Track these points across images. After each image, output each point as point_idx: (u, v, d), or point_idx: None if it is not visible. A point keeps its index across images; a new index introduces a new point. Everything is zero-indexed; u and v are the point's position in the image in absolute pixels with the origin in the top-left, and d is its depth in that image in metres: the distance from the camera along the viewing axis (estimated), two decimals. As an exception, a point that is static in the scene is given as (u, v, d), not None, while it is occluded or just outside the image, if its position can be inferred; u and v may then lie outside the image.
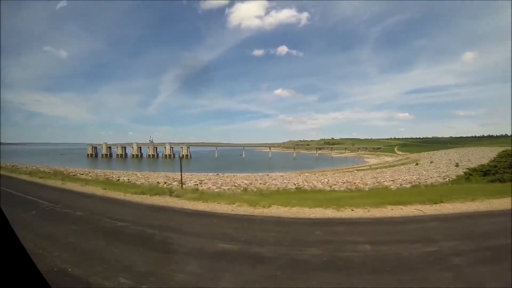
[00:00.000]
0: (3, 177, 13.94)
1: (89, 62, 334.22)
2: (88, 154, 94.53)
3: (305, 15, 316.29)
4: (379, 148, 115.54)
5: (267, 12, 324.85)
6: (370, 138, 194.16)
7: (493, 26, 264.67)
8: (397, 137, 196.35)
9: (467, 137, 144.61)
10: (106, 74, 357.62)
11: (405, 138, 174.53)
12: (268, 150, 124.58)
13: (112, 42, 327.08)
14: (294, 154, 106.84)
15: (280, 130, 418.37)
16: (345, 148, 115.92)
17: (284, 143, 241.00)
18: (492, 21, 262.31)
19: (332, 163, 75.70)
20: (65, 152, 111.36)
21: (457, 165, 39.22)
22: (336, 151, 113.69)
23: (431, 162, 54.74)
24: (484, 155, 58.94)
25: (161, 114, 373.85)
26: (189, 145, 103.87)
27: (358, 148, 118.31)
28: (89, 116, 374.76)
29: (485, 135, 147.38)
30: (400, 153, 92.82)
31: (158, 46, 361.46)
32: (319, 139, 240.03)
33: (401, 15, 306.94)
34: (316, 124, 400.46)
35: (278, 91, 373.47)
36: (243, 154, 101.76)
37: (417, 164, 52.01)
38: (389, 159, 77.70)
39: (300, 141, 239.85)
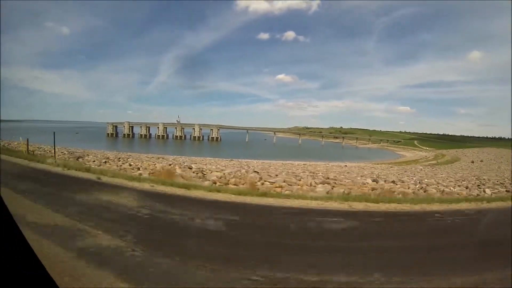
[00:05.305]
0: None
1: (90, 40, 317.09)
2: (108, 134, 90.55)
3: (316, 2, 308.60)
4: (399, 141, 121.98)
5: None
6: (379, 129, 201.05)
7: (502, 27, 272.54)
8: (396, 130, 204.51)
9: (478, 136, 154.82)
10: (107, 52, 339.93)
11: (410, 132, 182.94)
12: (273, 134, 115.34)
13: (115, 20, 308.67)
14: (323, 142, 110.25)
15: (279, 115, 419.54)
16: (369, 139, 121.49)
17: (289, 128, 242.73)
18: (500, 22, 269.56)
19: (376, 154, 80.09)
20: (79, 131, 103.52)
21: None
22: (360, 141, 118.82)
23: (481, 161, 60.44)
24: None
25: (160, 94, 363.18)
26: (219, 128, 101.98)
27: (381, 140, 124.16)
28: (87, 94, 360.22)
29: (484, 136, 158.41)
30: (426, 148, 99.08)
31: (160, 24, 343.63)
32: (326, 126, 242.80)
33: (409, 8, 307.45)
34: (315, 111, 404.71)
35: (281, 76, 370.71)
36: (275, 140, 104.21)
37: (472, 162, 57.49)
38: (424, 153, 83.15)
39: (306, 127, 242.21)
